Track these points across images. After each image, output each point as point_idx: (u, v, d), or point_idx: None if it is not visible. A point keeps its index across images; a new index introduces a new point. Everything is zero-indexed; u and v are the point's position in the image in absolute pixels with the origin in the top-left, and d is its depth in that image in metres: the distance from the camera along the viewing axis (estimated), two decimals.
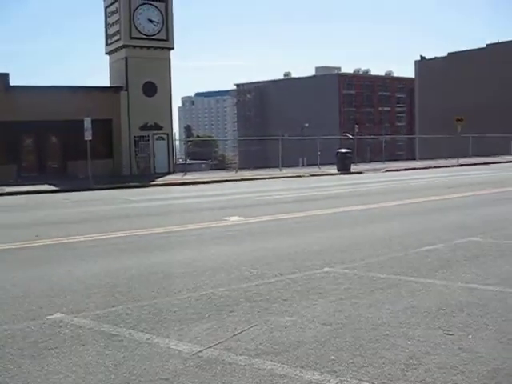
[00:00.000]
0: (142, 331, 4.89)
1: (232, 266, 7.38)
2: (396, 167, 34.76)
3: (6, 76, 29.01)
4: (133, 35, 31.45)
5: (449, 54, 74.08)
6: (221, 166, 71.77)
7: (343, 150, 31.57)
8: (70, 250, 8.97)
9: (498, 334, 4.71)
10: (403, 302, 5.67)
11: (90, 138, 24.03)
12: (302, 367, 4.07)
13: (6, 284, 6.75)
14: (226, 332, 4.84)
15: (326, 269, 7.10)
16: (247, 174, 30.78)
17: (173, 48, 33.24)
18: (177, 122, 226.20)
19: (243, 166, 40.14)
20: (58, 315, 5.42)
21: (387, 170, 32.55)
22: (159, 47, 32.39)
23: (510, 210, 13.24)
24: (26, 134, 29.72)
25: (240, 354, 4.32)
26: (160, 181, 26.10)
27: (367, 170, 32.13)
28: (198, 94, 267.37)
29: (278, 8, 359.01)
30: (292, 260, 7.67)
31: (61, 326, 5.08)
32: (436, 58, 76.44)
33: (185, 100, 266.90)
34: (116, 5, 32.16)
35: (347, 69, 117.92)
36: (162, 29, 32.37)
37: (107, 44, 33.75)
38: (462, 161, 38.85)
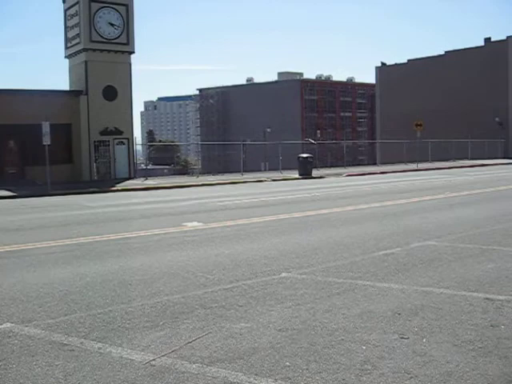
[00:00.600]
0: (94, 340, 4.79)
1: (189, 272, 7.30)
2: (357, 172, 35.08)
3: None
4: (93, 39, 31.02)
5: (408, 60, 75.19)
6: (183, 170, 71.41)
7: (304, 155, 31.72)
8: (25, 257, 8.75)
9: (451, 337, 4.75)
10: (359, 306, 5.68)
11: (49, 143, 23.58)
12: (256, 374, 4.03)
13: None
14: (180, 340, 4.77)
15: (283, 274, 7.09)
16: (209, 178, 30.67)
17: (134, 52, 32.92)
18: (139, 126, 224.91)
19: (206, 171, 40.13)
20: (8, 325, 5.26)
21: (348, 175, 32.82)
22: (120, 51, 32.02)
23: (465, 214, 13.46)
24: None
25: (193, 362, 4.26)
26: (120, 186, 25.77)
27: (328, 175, 32.34)
28: (160, 99, 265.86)
29: (240, 15, 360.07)
30: (250, 265, 7.63)
31: (10, 337, 4.93)
32: (396, 64, 77.53)
33: (147, 104, 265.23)
34: (76, 8, 31.67)
35: (309, 74, 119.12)
36: (122, 32, 32.02)
37: (67, 47, 33.21)
38: (421, 165, 39.46)
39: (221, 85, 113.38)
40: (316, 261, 7.88)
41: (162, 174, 49.71)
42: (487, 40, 67.67)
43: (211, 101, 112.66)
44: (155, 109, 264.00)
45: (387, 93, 75.04)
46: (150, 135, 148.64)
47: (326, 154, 56.80)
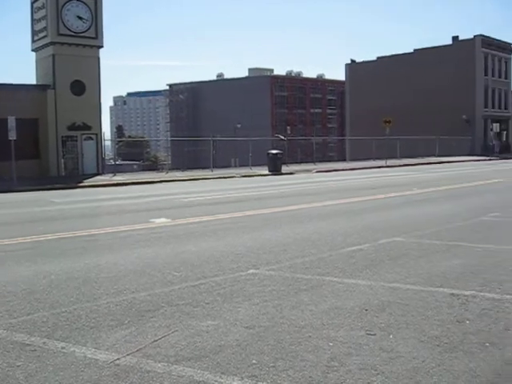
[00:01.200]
0: (57, 340, 4.69)
1: (155, 269, 7.22)
2: (326, 168, 35.26)
3: None
4: (60, 32, 30.53)
5: (378, 58, 75.76)
6: (153, 166, 70.81)
7: (274, 151, 31.77)
8: None
9: (418, 333, 4.77)
10: (327, 303, 5.68)
11: (15, 138, 23.20)
12: (223, 373, 3.99)
13: None
14: (146, 338, 4.70)
15: (251, 271, 7.05)
16: (178, 174, 30.49)
17: (102, 46, 32.51)
18: (108, 121, 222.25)
19: (176, 167, 39.84)
20: None
21: (318, 171, 32.97)
22: (88, 45, 31.57)
23: (431, 210, 13.60)
24: None
25: (159, 361, 4.20)
26: (88, 182, 25.46)
27: (298, 171, 32.44)
28: (130, 94, 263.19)
29: (212, 10, 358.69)
30: (217, 262, 7.57)
31: None
32: (365, 61, 78.06)
33: (116, 100, 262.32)
34: (43, 0, 31.15)
35: (280, 71, 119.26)
36: (91, 26, 31.59)
37: (33, 41, 32.64)
38: (390, 162, 39.81)
39: (191, 80, 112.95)
40: (284, 257, 7.87)
41: (131, 170, 49.21)
42: (455, 39, 68.58)
43: (181, 96, 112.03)
44: (125, 104, 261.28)
45: (357, 90, 75.52)
46: (119, 130, 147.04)
47: (296, 150, 56.90)
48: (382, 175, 28.20)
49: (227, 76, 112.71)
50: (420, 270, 7.11)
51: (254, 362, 4.19)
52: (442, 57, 65.76)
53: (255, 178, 28.53)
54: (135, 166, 66.39)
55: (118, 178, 27.62)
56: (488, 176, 25.85)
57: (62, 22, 30.60)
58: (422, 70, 67.00)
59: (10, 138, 23.07)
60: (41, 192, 21.53)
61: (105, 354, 4.36)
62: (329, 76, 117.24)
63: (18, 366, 4.15)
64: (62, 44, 30.74)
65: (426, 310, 5.44)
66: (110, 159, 45.81)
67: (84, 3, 31.34)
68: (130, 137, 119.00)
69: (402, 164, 38.99)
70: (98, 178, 28.27)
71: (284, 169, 32.01)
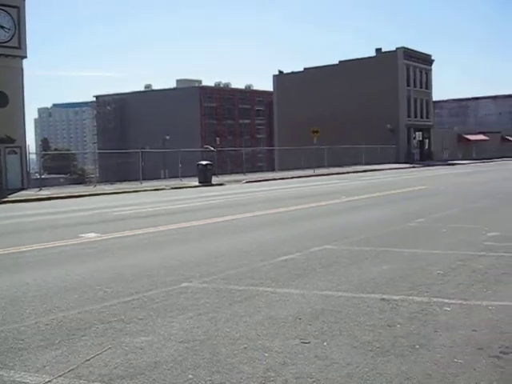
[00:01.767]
0: None
1: (86, 285, 7.04)
2: (256, 178, 35.48)
3: None
4: None
5: (305, 69, 77.08)
6: (80, 179, 69.21)
7: (204, 163, 31.73)
8: None
9: (351, 340, 4.86)
10: (261, 313, 5.70)
11: None
12: None
13: None
14: (78, 358, 4.56)
15: (184, 284, 6.99)
16: (107, 188, 29.92)
17: (26, 56, 31.58)
18: (33, 134, 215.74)
19: (104, 180, 39.11)
20: None
21: (248, 182, 33.13)
22: (11, 55, 30.54)
23: (359, 217, 13.92)
24: None
25: (92, 381, 4.09)
26: (12, 197, 24.58)
27: (228, 182, 32.50)
28: (55, 105, 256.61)
29: (138, 22, 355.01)
30: (149, 276, 7.46)
31: None
32: (293, 72, 79.22)
33: (41, 111, 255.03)
34: None
35: (208, 82, 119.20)
36: (13, 36, 30.60)
37: None
38: (318, 171, 40.51)
39: (118, 91, 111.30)
40: (217, 269, 7.84)
41: (58, 184, 47.91)
42: (378, 50, 70.70)
43: (109, 108, 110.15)
44: (50, 116, 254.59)
45: (285, 100, 76.51)
46: (44, 143, 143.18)
47: (226, 161, 57.04)
48: (311, 184, 28.64)
49: (155, 87, 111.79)
50: (351, 276, 7.25)
51: (190, 376, 4.15)
52: (367, 68, 67.66)
53: (186, 189, 28.35)
54: (62, 180, 64.76)
55: (45, 193, 26.82)
56: (412, 183, 26.71)
57: None
58: (347, 81, 68.70)
59: None
60: None
61: (35, 376, 4.20)
62: (257, 87, 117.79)
63: None
64: None
65: (358, 315, 5.55)
66: (35, 173, 44.42)
67: (6, 12, 30.33)
68: (56, 149, 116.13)
69: (330, 173, 39.72)
70: (23, 192, 27.34)
71: (214, 180, 32.00)
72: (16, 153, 30.85)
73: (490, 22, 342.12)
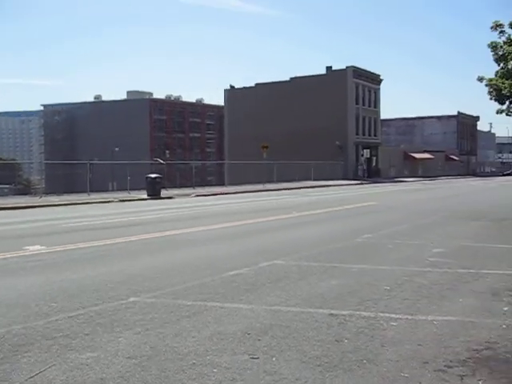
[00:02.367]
0: None
1: (30, 300, 6.84)
2: (206, 192, 35.41)
3: None
4: None
5: (256, 84, 77.68)
6: (26, 190, 67.55)
7: (153, 175, 31.44)
8: None
9: (299, 354, 4.88)
10: (209, 328, 5.66)
11: None
12: None
13: None
14: (21, 375, 4.42)
15: (132, 298, 6.88)
16: (53, 199, 29.27)
17: None
18: None
19: (50, 191, 38.30)
20: None
21: (197, 195, 33.02)
22: None
23: (309, 233, 14.04)
24: None
25: None
26: None
27: (177, 195, 32.30)
28: (0, 114, 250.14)
29: (90, 31, 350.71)
30: (96, 291, 7.31)
31: None
32: (245, 87, 79.69)
33: None
34: None
35: (159, 94, 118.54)
36: None
37: None
38: (268, 186, 40.73)
39: (67, 101, 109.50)
40: (165, 283, 7.76)
41: (1, 194, 46.65)
42: (329, 68, 71.90)
43: (57, 118, 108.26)
44: None
45: (235, 115, 76.82)
46: None
47: (175, 175, 56.81)
48: (261, 199, 28.75)
49: (105, 98, 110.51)
50: (300, 291, 7.29)
51: None
52: (317, 85, 68.74)
53: (134, 202, 28.01)
54: (6, 190, 63.04)
55: None
56: (361, 199, 27.14)
57: None
58: (298, 97, 69.61)
59: None
60: None
61: None
62: (208, 101, 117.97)
63: None
64: None
65: (307, 331, 5.57)
66: None
67: None
68: (0, 159, 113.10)
69: (279, 188, 39.97)
70: None
71: (163, 193, 31.74)
72: None
73: (442, 39, 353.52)
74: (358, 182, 54.85)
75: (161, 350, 5.00)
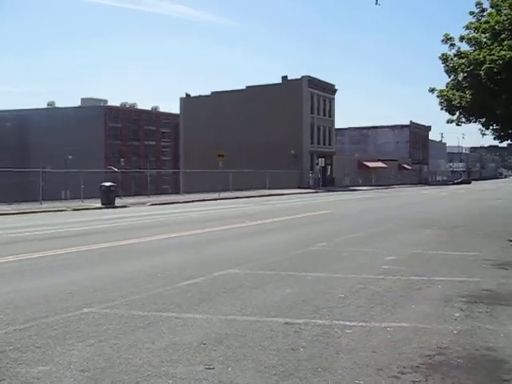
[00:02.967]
0: None
1: None
2: (161, 201, 35.13)
3: None
4: None
5: (212, 92, 77.63)
6: None
7: (107, 184, 31.00)
8: None
9: (255, 364, 4.87)
10: (164, 339, 5.61)
11: None
12: None
13: None
14: None
15: (85, 310, 6.76)
16: (4, 208, 28.51)
17: None
18: None
19: (1, 200, 37.21)
20: None
21: (152, 204, 32.73)
22: None
23: (264, 241, 14.09)
24: None
25: None
26: None
27: (132, 204, 31.95)
28: None
29: (46, 34, 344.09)
30: (47, 302, 7.14)
31: None
32: (200, 96, 79.53)
33: None
34: None
35: (114, 102, 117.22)
36: None
37: None
38: (223, 195, 40.66)
39: (18, 107, 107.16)
40: (119, 294, 7.65)
41: None
42: (284, 78, 72.41)
43: (8, 124, 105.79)
44: None
45: (191, 123, 76.61)
46: None
47: (130, 183, 56.04)
48: (216, 208, 28.69)
49: (59, 105, 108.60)
50: (255, 300, 7.29)
51: None
52: (273, 94, 69.15)
53: (88, 211, 27.57)
54: None
55: None
56: (316, 208, 27.39)
57: None
58: (254, 106, 69.87)
59: None
60: None
61: None
62: (164, 109, 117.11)
63: None
64: None
65: (263, 340, 5.58)
66: None
67: None
68: None
69: (234, 196, 39.98)
70: None
71: (118, 201, 31.36)
72: None
73: (397, 49, 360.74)
74: (313, 190, 55.34)
75: (115, 362, 4.92)
